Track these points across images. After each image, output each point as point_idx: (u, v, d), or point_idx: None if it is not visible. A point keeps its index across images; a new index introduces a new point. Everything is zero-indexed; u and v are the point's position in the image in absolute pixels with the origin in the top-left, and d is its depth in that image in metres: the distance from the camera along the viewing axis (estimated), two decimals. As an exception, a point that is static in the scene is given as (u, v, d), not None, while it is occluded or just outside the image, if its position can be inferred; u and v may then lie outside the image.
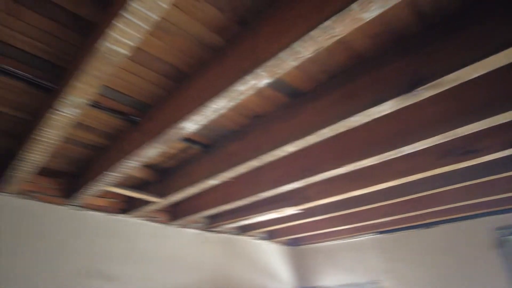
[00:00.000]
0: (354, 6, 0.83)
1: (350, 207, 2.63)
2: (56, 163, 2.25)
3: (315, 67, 1.39)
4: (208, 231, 3.26)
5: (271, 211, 2.66)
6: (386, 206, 2.80)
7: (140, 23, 0.86)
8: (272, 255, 3.85)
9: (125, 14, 0.84)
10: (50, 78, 1.40)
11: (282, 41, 0.99)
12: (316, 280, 3.91)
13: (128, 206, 2.69)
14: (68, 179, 2.42)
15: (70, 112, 1.25)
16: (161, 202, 2.33)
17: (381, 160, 1.65)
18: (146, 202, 2.42)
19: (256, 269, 3.56)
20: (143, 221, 2.80)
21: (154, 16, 0.85)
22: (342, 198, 2.39)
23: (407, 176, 1.89)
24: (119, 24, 0.87)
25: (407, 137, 1.49)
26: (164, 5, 0.82)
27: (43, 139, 1.47)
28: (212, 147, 1.98)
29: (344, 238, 3.75)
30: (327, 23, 0.88)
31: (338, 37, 0.92)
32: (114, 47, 0.94)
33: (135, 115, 1.67)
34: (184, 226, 3.08)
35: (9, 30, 1.17)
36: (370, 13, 0.84)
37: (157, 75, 1.41)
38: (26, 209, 2.21)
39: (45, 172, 2.31)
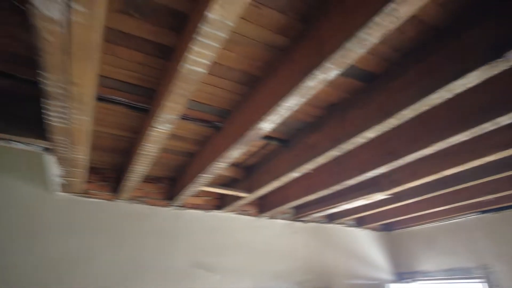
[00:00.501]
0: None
1: (446, 187, 2.44)
2: (157, 170, 2.58)
3: (386, 47, 1.35)
4: (297, 220, 3.35)
5: (358, 198, 2.62)
6: (488, 183, 2.52)
7: (212, 43, 0.96)
8: (364, 242, 3.77)
9: (198, 38, 0.95)
10: (144, 100, 1.62)
11: (346, 30, 0.99)
12: (414, 265, 3.70)
13: (221, 202, 2.93)
14: (168, 183, 2.74)
15: (165, 128, 1.44)
16: (249, 196, 2.49)
17: (474, 135, 1.51)
18: (237, 198, 2.61)
19: (348, 256, 3.53)
20: (236, 215, 3.02)
21: (223, 35, 0.94)
22: (435, 179, 2.24)
23: (509, 148, 1.69)
24: (194, 47, 0.98)
25: (501, 107, 1.34)
26: (231, 23, 0.90)
27: (145, 153, 1.71)
28: (290, 141, 2.04)
29: (442, 219, 3.47)
30: (391, 6, 0.86)
31: (404, 18, 0.89)
32: (193, 68, 1.06)
33: (218, 121, 1.82)
34: (274, 217, 3.22)
35: (107, 66, 1.40)
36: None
37: (232, 83, 1.52)
38: (138, 212, 2.58)
39: (149, 179, 2.66)
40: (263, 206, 3.09)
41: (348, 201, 2.72)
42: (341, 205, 2.82)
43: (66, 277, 2.17)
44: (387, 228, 3.98)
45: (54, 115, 1.33)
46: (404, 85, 1.36)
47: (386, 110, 1.41)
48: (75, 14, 0.86)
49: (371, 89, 1.53)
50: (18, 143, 1.60)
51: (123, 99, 1.61)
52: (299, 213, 3.29)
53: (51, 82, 1.12)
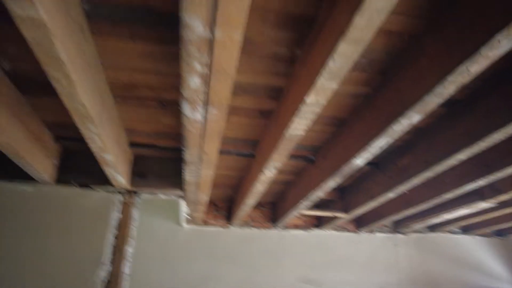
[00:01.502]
0: (483, 49, 0.93)
1: None
2: (262, 198, 2.92)
3: (467, 77, 1.43)
4: (397, 233, 3.37)
5: (460, 208, 2.57)
6: None
7: (310, 115, 1.22)
8: (474, 249, 3.56)
9: (298, 114, 1.21)
10: (249, 147, 1.95)
11: (423, 86, 1.15)
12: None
13: (319, 221, 3.14)
14: (270, 207, 3.07)
15: (272, 172, 1.74)
16: (346, 217, 2.65)
17: None
18: (334, 217, 2.79)
19: (457, 265, 3.39)
20: (335, 232, 3.19)
21: (319, 110, 1.18)
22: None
23: None
24: (295, 119, 1.25)
25: None
26: (324, 102, 1.15)
27: (255, 190, 2.03)
28: (381, 164, 2.17)
29: None
30: (463, 67, 1.00)
31: (476, 74, 1.02)
32: (295, 132, 1.33)
33: (310, 155, 2.06)
34: (373, 232, 3.29)
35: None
36: (498, 50, 0.92)
37: (322, 125, 1.75)
38: (248, 236, 2.95)
39: (255, 205, 3.03)
40: (360, 222, 3.20)
41: (450, 211, 2.68)
42: (443, 214, 2.78)
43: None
44: (499, 233, 3.68)
45: (188, 173, 1.74)
46: (490, 109, 1.42)
47: (475, 134, 1.48)
48: (210, 114, 1.20)
49: (455, 113, 1.60)
50: (160, 194, 2.08)
51: (233, 150, 1.96)
52: (398, 226, 3.30)
53: (189, 154, 1.51)
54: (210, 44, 0.89)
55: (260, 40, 1.18)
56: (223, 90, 1.08)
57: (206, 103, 1.14)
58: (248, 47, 1.19)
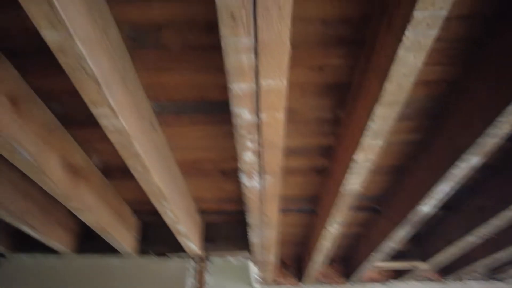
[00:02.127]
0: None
1: None
2: (332, 253, 2.83)
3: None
4: (494, 279, 2.96)
5: None
6: None
7: (362, 171, 1.25)
8: None
9: (350, 172, 1.25)
10: (309, 204, 1.98)
11: (473, 129, 1.13)
12: None
13: (398, 273, 2.91)
14: (340, 262, 2.95)
15: (335, 228, 1.74)
16: (424, 265, 2.44)
17: None
18: (413, 267, 2.58)
19: None
20: (417, 283, 2.92)
21: (371, 157, 1.21)
22: None
23: None
24: (349, 176, 1.28)
25: None
26: (373, 157, 1.18)
27: (321, 247, 2.02)
28: (455, 207, 2.02)
29: None
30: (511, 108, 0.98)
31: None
32: (351, 188, 1.36)
33: (376, 206, 2.01)
34: (462, 279, 2.95)
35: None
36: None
37: (382, 175, 1.74)
38: (323, 293, 2.83)
39: (325, 261, 2.94)
40: (445, 270, 2.90)
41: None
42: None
43: None
44: None
45: (253, 235, 1.81)
46: None
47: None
48: (265, 181, 1.30)
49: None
50: (230, 258, 2.16)
51: (294, 208, 2.01)
52: (494, 272, 2.92)
53: (251, 217, 1.60)
54: (258, 125, 1.01)
55: (304, 109, 1.29)
56: (274, 160, 1.18)
57: (261, 172, 1.24)
58: (293, 116, 1.30)
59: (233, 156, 1.53)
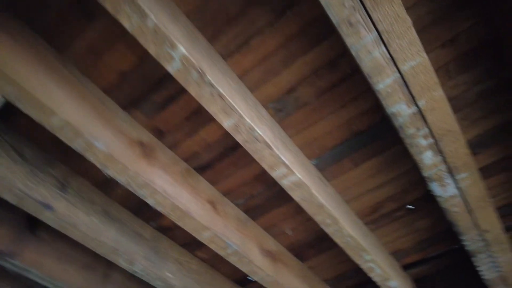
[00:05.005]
0: None
1: None
2: None
3: None
4: None
5: None
6: None
7: None
8: None
9: None
10: None
11: None
12: None
13: None
14: None
15: None
16: None
17: None
18: None
19: None
20: None
21: None
22: None
23: None
24: None
25: None
26: None
27: None
28: None
29: None
30: None
31: None
32: None
33: None
34: None
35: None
36: None
37: None
38: None
39: None
40: None
41: None
42: None
43: None
44: None
45: (483, 268, 1.48)
46: None
47: None
48: (462, 181, 1.14)
49: None
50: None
51: (515, 221, 1.62)
52: None
53: (469, 240, 1.35)
54: (422, 115, 0.97)
55: (460, 91, 1.18)
56: (458, 148, 1.06)
57: (452, 171, 1.11)
58: (455, 105, 1.19)
59: (411, 181, 1.43)
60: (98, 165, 1.07)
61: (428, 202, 1.48)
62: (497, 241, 1.36)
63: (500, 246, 1.38)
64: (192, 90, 0.92)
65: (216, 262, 1.79)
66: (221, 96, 0.91)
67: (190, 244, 1.68)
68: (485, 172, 1.40)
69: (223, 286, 1.84)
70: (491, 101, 1.22)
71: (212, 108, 0.93)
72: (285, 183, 1.13)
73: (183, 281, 1.60)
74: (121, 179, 1.09)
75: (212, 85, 0.89)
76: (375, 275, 1.49)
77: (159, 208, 1.19)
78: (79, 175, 1.40)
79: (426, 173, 1.10)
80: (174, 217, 1.22)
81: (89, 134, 1.00)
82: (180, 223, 1.26)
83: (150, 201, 1.15)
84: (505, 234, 1.38)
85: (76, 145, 1.01)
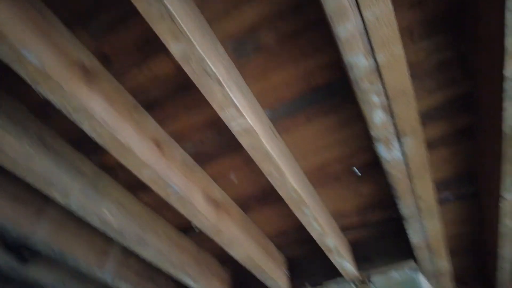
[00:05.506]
0: None
1: None
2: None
3: None
4: None
5: None
6: None
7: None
8: None
9: (504, 85, 1.05)
10: (471, 188, 1.68)
11: None
12: None
13: None
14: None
15: (513, 194, 1.40)
16: None
17: None
18: None
19: None
20: None
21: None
22: None
23: None
24: (508, 101, 1.07)
25: None
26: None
27: (504, 230, 1.62)
28: None
29: None
30: None
31: None
32: (515, 122, 1.12)
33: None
34: None
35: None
36: None
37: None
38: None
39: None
40: None
41: None
42: None
43: None
44: None
45: (412, 233, 1.58)
46: None
47: None
48: (407, 146, 1.17)
49: None
50: (394, 273, 1.89)
51: (450, 195, 1.72)
52: None
53: (403, 205, 1.41)
54: (378, 71, 0.96)
55: (420, 57, 1.18)
56: (409, 112, 1.07)
57: (398, 135, 1.13)
58: (412, 72, 1.19)
59: (362, 147, 1.45)
60: (29, 81, 0.96)
61: (374, 169, 1.52)
62: (429, 209, 1.44)
63: (431, 215, 1.47)
64: (140, 6, 0.82)
65: (161, 208, 1.76)
66: (171, 17, 0.83)
67: (134, 187, 1.62)
68: (428, 144, 1.45)
69: (166, 231, 1.82)
70: (447, 73, 1.23)
71: (160, 29, 0.85)
72: (234, 126, 1.09)
73: (123, 222, 1.56)
74: (54, 99, 0.99)
75: (161, 2, 0.80)
76: (313, 230, 1.53)
77: (97, 139, 1.11)
78: (12, 97, 1.27)
79: (374, 132, 1.11)
80: (113, 151, 1.15)
81: (17, 40, 0.88)
82: (121, 159, 1.19)
83: (86, 129, 1.06)
84: (437, 205, 1.46)
85: (1, 52, 0.88)
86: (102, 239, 1.86)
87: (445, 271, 1.90)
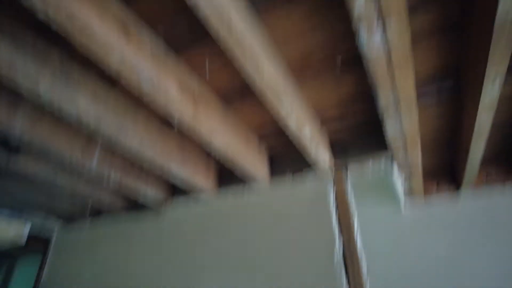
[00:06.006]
0: None
1: None
2: (493, 146, 2.33)
3: None
4: None
5: None
6: None
7: None
8: None
9: None
10: (454, 84, 1.63)
11: None
12: None
13: None
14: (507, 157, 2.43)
15: (496, 87, 1.37)
16: None
17: None
18: None
19: None
20: None
21: None
22: None
23: None
24: None
25: None
26: None
27: (478, 123, 1.64)
28: None
29: None
30: None
31: None
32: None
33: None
34: None
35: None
36: None
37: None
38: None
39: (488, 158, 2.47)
40: None
41: None
42: None
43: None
44: None
45: (389, 125, 1.59)
46: None
47: None
48: (389, 30, 1.08)
49: None
50: (368, 164, 1.99)
51: (430, 90, 1.69)
52: None
53: (382, 94, 1.38)
54: None
55: None
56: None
57: (382, 16, 1.03)
58: None
59: (342, 41, 1.35)
60: None
61: (356, 62, 1.46)
62: (407, 102, 1.42)
63: (409, 108, 1.46)
64: None
65: (141, 100, 1.72)
66: None
67: (109, 78, 1.56)
68: (414, 36, 1.36)
69: (148, 122, 1.82)
70: None
71: None
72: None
73: (100, 112, 1.54)
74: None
75: None
76: (291, 120, 1.54)
77: (53, 16, 1.00)
78: None
79: (356, 12, 1.01)
80: (69, 29, 1.05)
81: None
82: (82, 41, 1.10)
83: (39, 8, 0.95)
84: (416, 100, 1.44)
85: None
86: (84, 132, 1.88)
87: (416, 163, 1.99)
